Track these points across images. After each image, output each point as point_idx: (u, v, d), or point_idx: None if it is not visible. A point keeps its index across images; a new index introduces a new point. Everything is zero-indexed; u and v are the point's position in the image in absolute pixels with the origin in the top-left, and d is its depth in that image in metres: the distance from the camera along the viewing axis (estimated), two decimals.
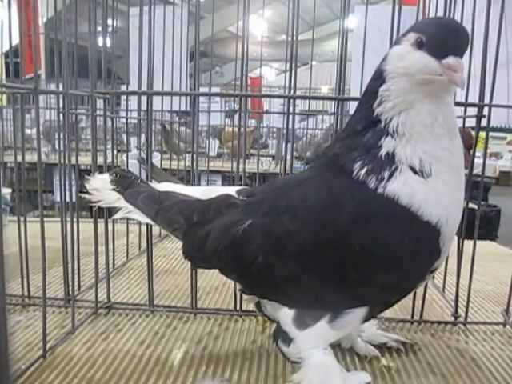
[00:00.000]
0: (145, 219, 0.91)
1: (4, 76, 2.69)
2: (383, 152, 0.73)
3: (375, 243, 0.70)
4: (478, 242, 1.12)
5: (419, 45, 0.71)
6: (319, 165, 0.83)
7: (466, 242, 1.12)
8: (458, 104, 1.14)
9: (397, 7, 1.01)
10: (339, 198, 0.74)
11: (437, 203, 0.71)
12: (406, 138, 0.73)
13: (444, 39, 0.69)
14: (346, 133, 0.80)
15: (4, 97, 3.29)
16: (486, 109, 1.07)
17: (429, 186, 0.72)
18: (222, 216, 0.82)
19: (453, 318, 1.16)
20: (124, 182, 0.92)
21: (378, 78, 0.76)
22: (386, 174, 0.72)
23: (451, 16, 1.10)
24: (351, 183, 0.73)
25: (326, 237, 0.73)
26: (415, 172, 0.72)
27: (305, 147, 4.92)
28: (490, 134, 1.16)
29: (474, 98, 1.09)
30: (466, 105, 1.11)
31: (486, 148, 1.27)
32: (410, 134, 0.73)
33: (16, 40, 1.10)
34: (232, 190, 0.88)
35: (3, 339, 0.24)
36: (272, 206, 0.79)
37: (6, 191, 1.98)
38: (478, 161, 1.33)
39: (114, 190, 0.92)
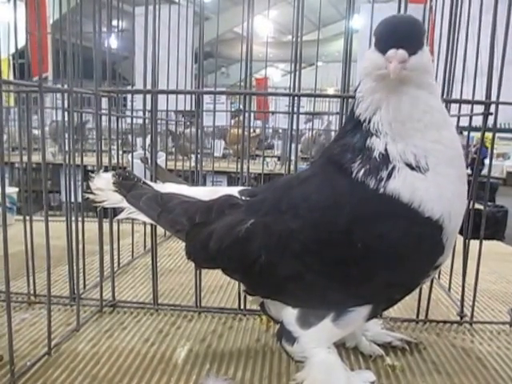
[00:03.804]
0: (148, 220, 0.92)
1: (12, 77, 2.72)
2: (376, 152, 0.73)
3: (377, 241, 0.70)
4: (485, 242, 1.11)
5: (374, 45, 0.72)
6: (320, 164, 0.83)
7: (472, 241, 1.11)
8: (464, 101, 1.14)
9: (403, 5, 1.01)
10: (340, 197, 0.74)
11: (438, 199, 0.71)
12: (390, 136, 0.73)
13: (385, 34, 0.70)
14: (340, 134, 0.81)
15: (11, 98, 3.32)
16: (492, 106, 1.06)
17: (429, 182, 0.71)
18: (224, 216, 0.82)
19: (458, 318, 1.15)
20: (126, 184, 0.93)
21: (359, 82, 0.77)
22: (385, 174, 0.71)
23: (458, 13, 1.10)
24: (352, 183, 0.73)
25: (327, 235, 0.73)
26: (412, 168, 0.72)
27: (307, 144, 4.91)
28: (498, 134, 1.15)
29: (481, 95, 1.08)
30: (472, 102, 1.11)
31: (492, 148, 1.26)
32: (391, 131, 0.73)
33: (23, 42, 1.11)
34: (234, 191, 0.88)
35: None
36: (274, 206, 0.79)
37: (13, 190, 2.00)
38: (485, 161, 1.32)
39: (116, 191, 0.92)
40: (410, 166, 0.72)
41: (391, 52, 0.67)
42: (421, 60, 0.70)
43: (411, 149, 0.72)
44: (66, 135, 1.14)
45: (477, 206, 1.12)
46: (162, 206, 0.88)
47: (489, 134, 1.16)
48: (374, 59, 0.71)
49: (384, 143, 0.73)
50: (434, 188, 0.71)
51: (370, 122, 0.74)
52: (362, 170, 0.72)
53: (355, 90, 0.78)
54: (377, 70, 0.70)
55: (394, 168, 0.71)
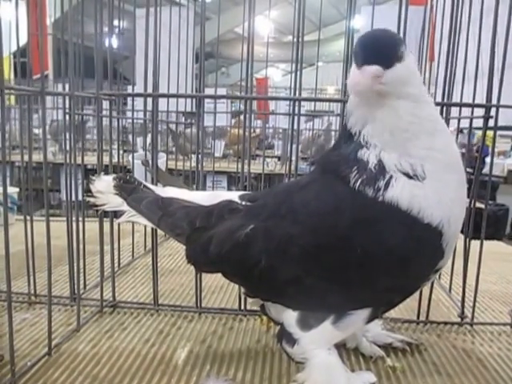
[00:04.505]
0: (149, 224, 0.92)
1: (12, 76, 2.72)
2: (371, 164, 0.73)
3: (377, 246, 0.70)
4: (485, 242, 1.11)
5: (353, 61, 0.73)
6: (319, 171, 0.83)
7: (472, 241, 1.12)
8: (464, 105, 1.13)
9: (403, 7, 1.01)
10: (340, 203, 0.74)
11: (437, 204, 0.71)
12: (380, 148, 0.73)
13: (359, 50, 0.71)
14: (336, 144, 0.82)
15: (12, 96, 3.32)
16: (493, 109, 1.06)
17: (427, 189, 0.71)
18: (224, 221, 0.82)
19: (459, 319, 1.16)
20: (127, 187, 0.93)
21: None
22: (382, 184, 0.71)
23: (459, 15, 1.10)
24: (350, 191, 0.73)
25: (327, 240, 0.73)
26: (410, 177, 0.72)
27: (306, 144, 4.91)
28: (498, 132, 1.15)
29: (481, 98, 1.08)
30: (473, 105, 1.10)
31: (493, 147, 1.26)
32: (380, 143, 0.73)
33: (24, 40, 1.12)
34: (235, 195, 0.88)
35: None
36: (274, 211, 0.79)
37: (14, 190, 2.00)
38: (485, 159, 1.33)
39: (117, 194, 0.93)
40: (407, 175, 0.72)
41: (364, 68, 0.69)
42: (398, 73, 0.70)
43: (406, 158, 0.72)
44: (67, 135, 1.14)
45: (477, 204, 1.12)
46: (162, 210, 0.88)
47: (490, 132, 1.16)
48: (352, 75, 0.72)
49: (375, 155, 0.73)
50: (433, 194, 0.71)
51: (360, 134, 0.75)
52: (359, 180, 0.73)
53: (346, 105, 0.78)
54: (356, 86, 0.71)
55: (391, 178, 0.72)
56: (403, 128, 0.72)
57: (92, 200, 0.95)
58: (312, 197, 0.77)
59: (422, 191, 0.71)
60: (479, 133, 1.12)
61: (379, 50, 0.70)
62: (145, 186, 0.96)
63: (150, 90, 1.10)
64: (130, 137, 2.26)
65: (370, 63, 0.68)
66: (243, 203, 0.85)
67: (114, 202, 0.93)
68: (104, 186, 0.94)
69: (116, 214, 1.04)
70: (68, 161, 1.13)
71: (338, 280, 0.74)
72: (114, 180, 0.94)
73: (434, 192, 0.71)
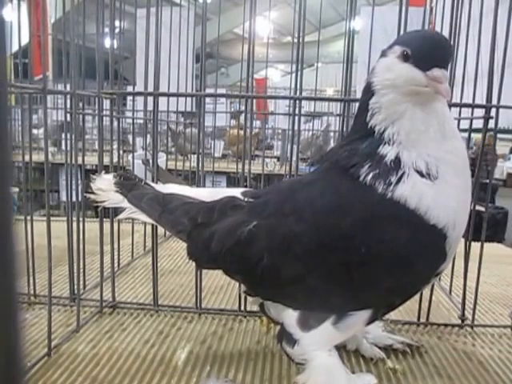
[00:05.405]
0: (149, 220, 0.91)
1: (13, 76, 2.71)
2: (388, 158, 0.73)
3: (381, 246, 0.70)
4: (485, 244, 1.11)
5: (405, 57, 0.72)
6: (324, 168, 0.83)
7: (472, 244, 1.11)
8: (465, 105, 1.13)
9: (403, 8, 1.01)
10: (345, 201, 0.74)
11: (444, 207, 0.71)
12: (404, 145, 0.74)
13: (429, 52, 0.71)
14: (346, 141, 0.81)
15: (12, 97, 3.32)
16: (493, 110, 1.06)
17: (437, 190, 0.72)
18: (226, 217, 0.82)
19: (460, 321, 1.15)
20: (128, 184, 0.93)
21: (367, 90, 0.77)
22: (394, 179, 0.72)
23: (458, 16, 1.10)
24: (358, 187, 0.73)
25: (331, 239, 0.73)
26: (422, 175, 0.72)
27: (305, 145, 4.92)
28: (498, 135, 1.15)
29: (481, 98, 1.08)
30: (473, 106, 1.10)
31: (494, 149, 1.26)
32: (406, 141, 0.73)
33: (25, 40, 1.12)
34: (237, 192, 0.88)
35: (16, 337, 0.24)
36: (277, 208, 0.79)
37: (13, 190, 1.99)
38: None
39: (117, 191, 0.92)
40: (420, 173, 0.72)
41: (438, 72, 0.69)
42: None
43: (424, 157, 0.73)
44: (67, 135, 1.14)
45: (477, 207, 1.12)
46: (163, 207, 0.88)
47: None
48: (410, 74, 0.71)
49: (395, 152, 0.73)
50: (441, 196, 0.72)
51: (384, 131, 0.75)
52: (371, 174, 0.73)
53: (366, 101, 0.77)
54: (413, 85, 0.71)
55: (403, 174, 0.72)
56: (436, 128, 0.73)
57: (92, 197, 0.95)
58: (316, 194, 0.77)
59: (432, 191, 0.71)
60: (477, 136, 1.13)
61: (448, 55, 0.73)
62: (145, 183, 0.96)
63: (150, 90, 1.10)
64: (129, 137, 2.26)
65: (441, 67, 0.70)
66: (246, 200, 0.84)
67: (114, 199, 0.93)
68: (105, 184, 0.94)
69: (116, 213, 1.04)
70: (68, 161, 1.12)
71: (340, 279, 0.74)
72: (115, 177, 0.94)
73: (443, 194, 0.72)
